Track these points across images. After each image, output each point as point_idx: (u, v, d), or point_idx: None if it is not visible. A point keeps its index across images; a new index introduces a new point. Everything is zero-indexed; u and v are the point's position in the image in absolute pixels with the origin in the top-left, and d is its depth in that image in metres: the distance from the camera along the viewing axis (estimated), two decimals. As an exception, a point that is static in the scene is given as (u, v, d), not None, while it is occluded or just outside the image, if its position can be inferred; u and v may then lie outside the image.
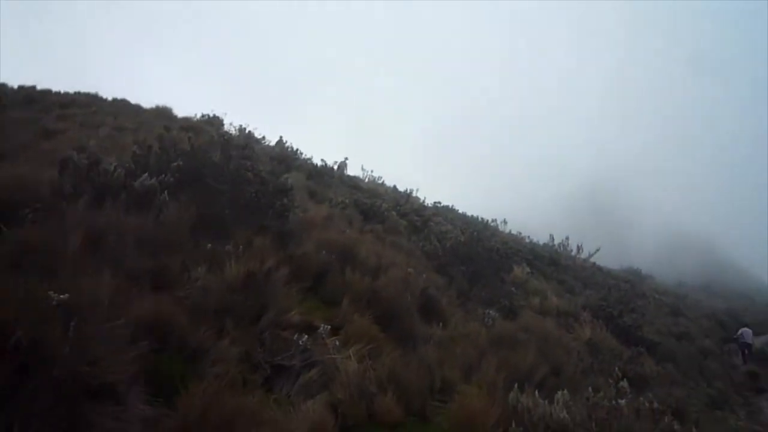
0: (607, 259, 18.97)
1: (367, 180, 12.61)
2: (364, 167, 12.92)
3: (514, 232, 16.46)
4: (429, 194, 14.10)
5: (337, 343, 2.89)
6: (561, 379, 3.63)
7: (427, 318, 4.11)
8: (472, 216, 16.25)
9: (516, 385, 2.59)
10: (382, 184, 13.18)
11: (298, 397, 2.29)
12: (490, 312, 5.29)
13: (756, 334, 14.85)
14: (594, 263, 16.31)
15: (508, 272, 8.32)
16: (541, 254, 13.22)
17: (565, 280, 11.50)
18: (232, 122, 9.63)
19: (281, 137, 10.34)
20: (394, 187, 13.50)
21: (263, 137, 10.05)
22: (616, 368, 3.54)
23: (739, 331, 12.10)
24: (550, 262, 12.57)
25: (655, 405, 2.41)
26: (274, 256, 3.20)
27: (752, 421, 6.90)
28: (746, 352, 11.41)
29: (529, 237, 16.34)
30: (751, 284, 30.75)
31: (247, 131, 9.59)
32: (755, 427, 6.40)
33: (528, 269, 9.80)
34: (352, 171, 11.88)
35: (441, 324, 4.14)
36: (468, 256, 7.06)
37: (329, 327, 2.99)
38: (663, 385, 5.53)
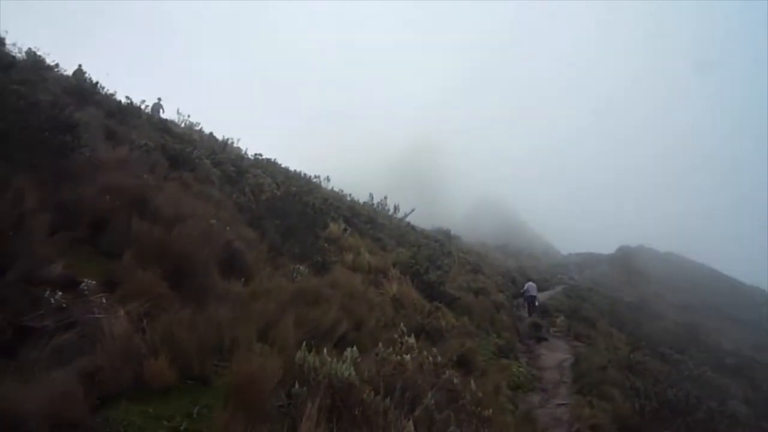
0: (421, 220, 35.24)
1: (183, 125, 20.14)
2: (180, 111, 21.00)
3: (336, 189, 26.70)
4: (254, 146, 23.33)
5: (104, 300, 4.36)
6: (362, 334, 6.85)
7: (230, 274, 6.20)
8: (295, 171, 25.15)
9: (304, 344, 4.93)
10: (200, 131, 21.33)
11: (47, 365, 3.45)
12: (300, 267, 8.35)
13: (541, 289, 28.53)
14: (408, 223, 27.85)
15: (324, 228, 13.04)
16: (359, 212, 21.11)
17: (380, 237, 18.49)
18: (17, 43, 13.18)
19: (80, 66, 15.55)
20: (211, 134, 21.91)
21: (56, 64, 14.57)
22: (402, 324, 7.16)
23: (525, 286, 22.86)
24: (368, 220, 20.34)
25: (439, 359, 5.65)
26: (38, 199, 4.09)
27: (532, 367, 14.34)
28: (531, 304, 21.90)
29: (350, 195, 26.82)
30: (540, 246, 58.84)
31: (36, 55, 13.63)
32: (533, 371, 13.60)
33: (344, 226, 15.17)
34: (167, 115, 19.40)
35: (244, 280, 6.36)
36: (283, 210, 10.82)
37: (97, 282, 4.36)
38: (458, 336, 10.73)
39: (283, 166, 25.44)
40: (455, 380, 5.09)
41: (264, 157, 23.41)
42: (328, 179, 29.39)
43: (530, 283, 23.20)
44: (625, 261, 56.66)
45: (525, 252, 48.51)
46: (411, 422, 3.39)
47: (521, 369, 12.06)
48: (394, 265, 13.85)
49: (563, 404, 9.99)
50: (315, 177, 28.05)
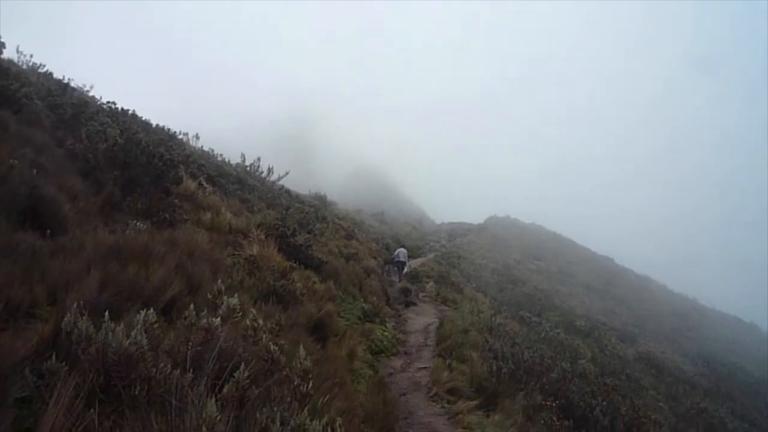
0: (299, 186, 35.42)
1: (24, 66, 17.99)
2: (20, 49, 18.66)
3: (207, 149, 25.07)
4: (113, 96, 20.80)
5: None
6: (197, 298, 6.01)
7: (34, 225, 5.24)
8: (158, 126, 22.57)
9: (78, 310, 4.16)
10: (46, 74, 18.68)
11: None
12: (138, 224, 7.18)
13: (414, 257, 29.08)
14: (283, 186, 26.59)
15: (177, 183, 11.64)
16: (227, 172, 19.72)
17: (248, 199, 17.33)
18: None
19: None
20: (51, 74, 19.17)
21: None
22: (218, 284, 6.46)
23: (396, 252, 23.21)
24: (236, 181, 19.05)
25: (259, 323, 4.88)
26: None
27: (398, 331, 14.25)
28: (401, 269, 22.16)
29: (222, 155, 25.33)
30: (415, 215, 60.57)
31: None
32: (398, 335, 13.48)
33: (206, 184, 14.35)
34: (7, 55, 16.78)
35: (50, 232, 5.26)
36: (125, 161, 9.54)
37: None
38: (317, 301, 10.22)
39: (143, 118, 23.02)
40: (273, 347, 4.40)
41: (119, 106, 20.85)
42: (197, 137, 27.47)
43: (401, 249, 23.48)
44: (492, 229, 59.97)
45: (400, 220, 49.49)
46: (214, 401, 2.64)
47: (386, 333, 11.80)
48: (258, 227, 12.99)
49: (424, 368, 9.84)
50: (182, 134, 26.01)
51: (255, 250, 10.50)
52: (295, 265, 10.80)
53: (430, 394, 7.87)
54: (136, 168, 9.94)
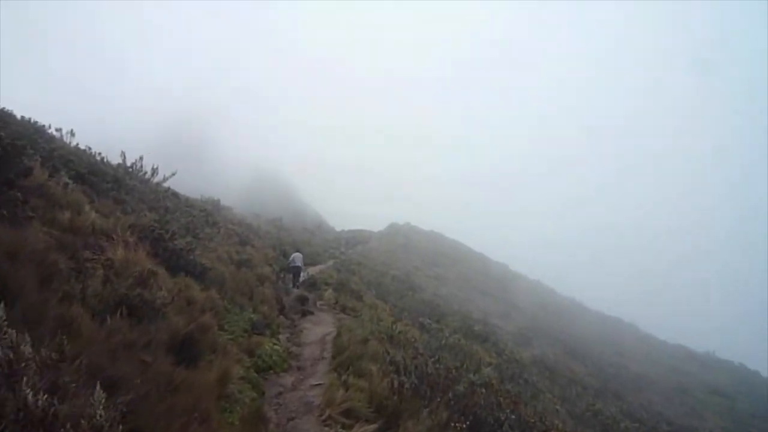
0: (192, 191, 33.32)
1: None
2: None
3: (83, 147, 21.96)
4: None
5: None
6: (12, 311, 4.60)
7: None
8: (24, 117, 20.25)
9: None
10: None
11: None
12: None
13: (313, 263, 27.86)
14: (169, 188, 24.29)
15: (24, 175, 9.67)
16: (102, 170, 17.37)
17: (125, 200, 15.32)
18: None
19: None
20: None
21: None
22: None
23: (291, 257, 21.87)
24: (113, 180, 16.85)
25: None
26: None
27: (292, 343, 12.96)
28: (296, 275, 20.84)
29: (101, 154, 22.22)
30: (315, 221, 59.53)
31: None
32: (291, 348, 12.20)
33: (70, 181, 12.26)
34: None
35: None
36: None
37: None
38: (195, 312, 8.82)
39: (3, 109, 20.15)
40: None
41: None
42: (72, 133, 24.57)
43: (296, 253, 22.24)
44: (392, 237, 59.87)
45: (299, 226, 47.96)
46: None
47: (276, 347, 10.54)
48: (130, 228, 11.29)
49: (318, 384, 8.72)
50: (56, 129, 23.14)
51: (119, 254, 8.92)
52: (157, 270, 9.23)
53: (323, 417, 6.76)
54: (-37, 153, 8.08)
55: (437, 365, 7.80)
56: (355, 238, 53.63)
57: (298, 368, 10.36)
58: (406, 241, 57.28)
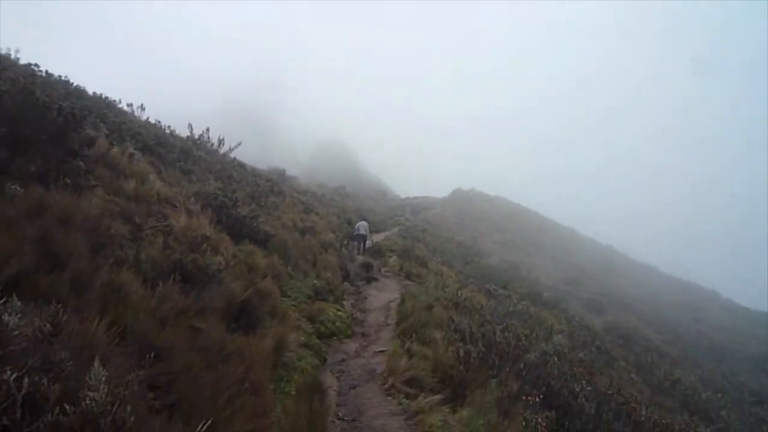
0: (259, 161, 35.06)
1: None
2: None
3: (153, 120, 22.96)
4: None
5: None
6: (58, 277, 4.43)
7: None
8: (96, 93, 20.68)
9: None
10: None
11: None
12: (15, 187, 5.50)
13: (377, 231, 27.69)
14: (235, 159, 24.65)
15: (88, 145, 9.77)
16: (170, 142, 17.99)
17: (192, 170, 15.60)
18: None
19: None
20: None
21: None
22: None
23: (356, 225, 21.72)
24: (180, 151, 17.29)
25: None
26: None
27: (355, 308, 12.81)
28: (362, 243, 20.71)
29: (170, 127, 23.07)
30: (379, 189, 59.22)
31: None
32: (355, 314, 12.03)
33: (136, 151, 12.37)
34: None
35: None
36: (14, 114, 7.66)
37: None
38: (256, 278, 8.70)
39: (77, 85, 20.81)
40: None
41: (43, 69, 18.68)
42: (142, 107, 25.27)
43: (362, 222, 22.08)
44: (457, 203, 58.86)
45: (363, 194, 47.79)
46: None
47: (340, 313, 10.35)
48: (195, 196, 11.36)
49: (382, 351, 8.44)
50: (127, 105, 23.86)
51: (181, 221, 8.89)
52: (214, 235, 9.12)
53: (386, 386, 6.45)
54: (29, 124, 8.15)
55: (506, 333, 7.31)
56: (420, 205, 53.15)
57: (362, 335, 10.15)
58: (471, 207, 56.21)
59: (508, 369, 6.42)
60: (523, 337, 7.17)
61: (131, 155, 12.09)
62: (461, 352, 6.70)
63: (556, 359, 7.10)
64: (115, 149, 11.35)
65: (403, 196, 65.31)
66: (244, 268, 8.31)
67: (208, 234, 6.67)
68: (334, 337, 8.93)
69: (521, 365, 6.42)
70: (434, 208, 52.26)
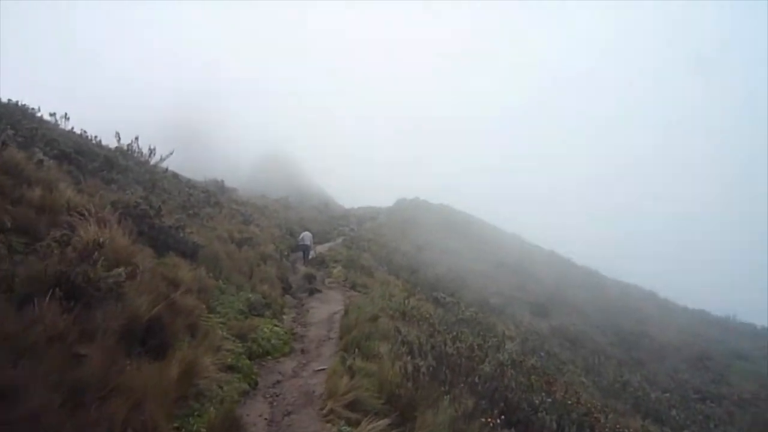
0: (197, 174, 33.46)
1: None
2: None
3: (78, 131, 21.49)
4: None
5: None
6: None
7: None
8: (9, 100, 19.42)
9: None
10: None
11: None
12: None
13: (322, 241, 26.80)
14: (167, 169, 23.21)
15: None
16: (92, 150, 16.70)
17: (116, 179, 14.46)
18: None
19: None
20: None
21: None
22: None
23: (301, 235, 20.94)
24: (105, 160, 16.09)
25: None
26: None
27: (296, 323, 11.86)
28: (306, 254, 19.87)
29: (97, 137, 21.78)
30: (323, 198, 58.29)
31: None
32: (296, 328, 11.08)
33: (45, 158, 11.09)
34: None
35: None
36: None
37: None
38: (154, 293, 7.70)
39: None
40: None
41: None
42: (66, 117, 23.36)
43: (305, 232, 21.36)
44: (402, 212, 58.51)
45: (306, 205, 46.58)
46: None
47: (277, 328, 9.42)
48: (113, 206, 10.19)
49: (322, 370, 7.58)
50: (50, 114, 22.01)
51: (90, 231, 7.78)
52: (141, 246, 8.08)
53: (325, 411, 5.61)
54: None
55: (457, 343, 6.62)
56: (365, 215, 52.35)
57: (302, 351, 9.24)
58: (415, 216, 55.91)
59: (461, 384, 5.70)
60: (476, 347, 6.48)
61: (40, 161, 10.82)
62: (409, 368, 5.93)
63: (512, 370, 6.42)
64: (20, 154, 10.10)
65: (346, 206, 64.45)
66: (163, 282, 7.29)
67: (101, 241, 5.60)
68: (269, 357, 7.99)
69: (476, 378, 5.71)
70: (379, 218, 51.59)
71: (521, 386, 6.25)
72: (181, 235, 10.87)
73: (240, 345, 7.33)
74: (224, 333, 7.45)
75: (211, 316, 8.05)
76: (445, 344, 6.34)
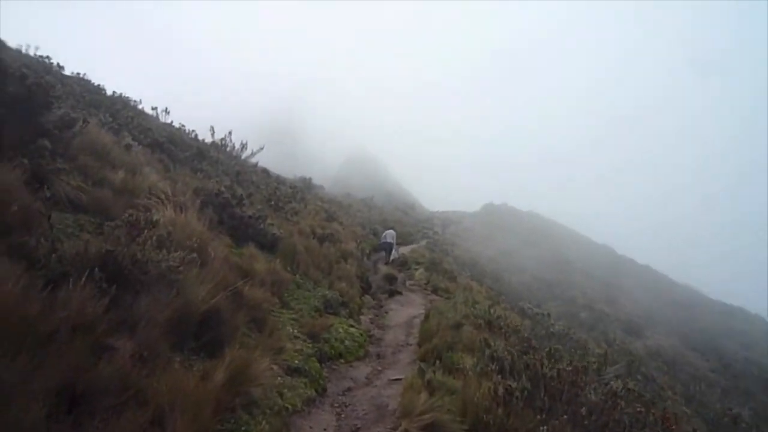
0: (287, 171, 34.12)
1: None
2: None
3: (177, 125, 21.83)
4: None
5: None
6: None
7: None
8: (115, 93, 19.77)
9: None
10: None
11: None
12: None
13: (405, 243, 26.07)
14: (257, 163, 23.91)
15: (67, 126, 8.52)
16: (184, 141, 16.91)
17: (204, 169, 14.50)
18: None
19: None
20: None
21: None
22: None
23: (383, 233, 20.22)
24: (197, 151, 16.37)
25: None
26: None
27: (374, 324, 11.16)
28: (389, 253, 19.13)
29: (194, 131, 22.21)
30: (407, 202, 57.50)
31: None
32: (373, 331, 10.37)
33: (134, 143, 11.04)
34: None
35: None
36: None
37: None
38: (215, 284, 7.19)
39: (95, 83, 19.92)
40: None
41: (55, 62, 18.00)
42: (166, 111, 24.23)
43: (389, 230, 20.56)
44: (488, 217, 56.64)
45: (391, 206, 46.02)
46: None
47: (352, 329, 8.69)
48: (194, 192, 9.96)
49: (398, 379, 6.74)
50: (152, 108, 22.92)
51: (166, 215, 7.42)
52: (220, 235, 7.60)
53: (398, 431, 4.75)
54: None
55: (557, 364, 5.55)
56: (449, 219, 51.08)
57: (377, 356, 8.47)
58: (502, 222, 53.94)
59: (562, 414, 4.65)
60: (580, 369, 5.38)
61: (128, 146, 10.78)
62: (500, 389, 4.95)
63: (623, 401, 5.25)
64: (107, 137, 10.05)
65: (432, 209, 63.45)
66: (233, 272, 6.75)
67: (155, 220, 5.05)
68: (341, 360, 7.26)
69: (581, 409, 4.64)
70: (464, 222, 50.25)
71: (635, 421, 5.09)
72: (262, 226, 10.44)
73: (310, 345, 6.63)
74: (295, 331, 6.80)
75: (283, 311, 7.44)
76: (542, 364, 5.31)
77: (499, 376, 5.37)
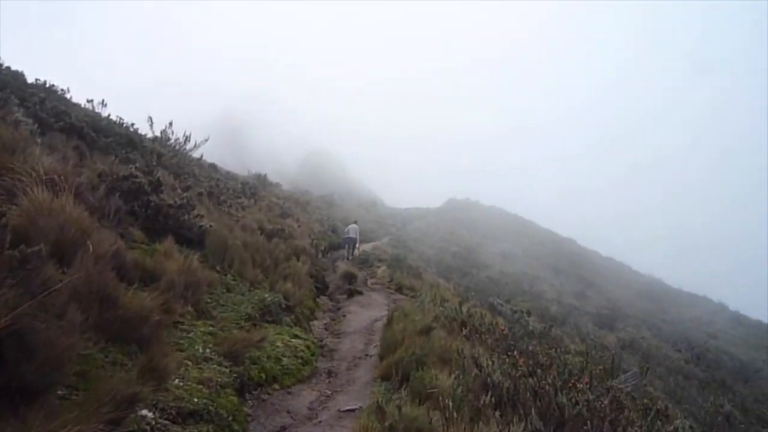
0: (241, 169, 33.00)
1: None
2: None
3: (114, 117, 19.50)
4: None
5: None
6: None
7: None
8: (36, 80, 17.21)
9: None
10: None
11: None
12: None
13: (367, 240, 24.27)
14: (202, 157, 21.38)
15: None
16: (109, 129, 14.77)
17: (133, 160, 12.33)
18: None
19: None
20: None
21: None
22: None
23: (347, 227, 18.53)
24: (127, 140, 14.56)
25: None
26: None
27: (328, 331, 9.38)
28: (351, 248, 17.52)
29: (134, 125, 19.67)
30: (369, 197, 55.92)
31: None
32: (326, 340, 8.58)
33: (26, 119, 9.11)
34: None
35: None
36: None
37: None
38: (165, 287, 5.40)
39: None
40: None
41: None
42: (103, 104, 21.79)
43: (352, 225, 18.87)
44: (452, 213, 55.31)
45: (352, 203, 44.09)
46: None
47: (295, 341, 6.85)
48: (99, 177, 7.98)
49: (350, 410, 4.96)
50: (87, 100, 20.48)
51: (38, 199, 5.47)
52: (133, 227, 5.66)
53: None
54: None
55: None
56: (412, 215, 49.62)
57: (329, 373, 6.67)
58: (466, 217, 52.66)
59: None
60: (617, 399, 3.68)
61: (17, 122, 8.67)
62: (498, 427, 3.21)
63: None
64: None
65: (395, 206, 61.90)
66: (131, 272, 4.86)
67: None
68: (276, 385, 5.41)
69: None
70: (427, 217, 48.72)
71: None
72: (185, 217, 8.49)
73: (227, 370, 4.73)
74: (207, 350, 4.90)
75: (197, 323, 5.54)
76: (556, 389, 3.60)
77: (497, 412, 3.62)
